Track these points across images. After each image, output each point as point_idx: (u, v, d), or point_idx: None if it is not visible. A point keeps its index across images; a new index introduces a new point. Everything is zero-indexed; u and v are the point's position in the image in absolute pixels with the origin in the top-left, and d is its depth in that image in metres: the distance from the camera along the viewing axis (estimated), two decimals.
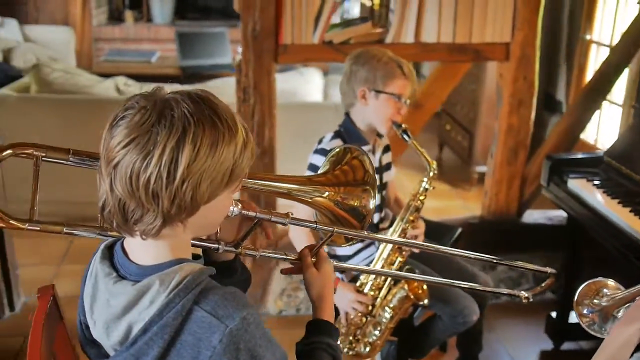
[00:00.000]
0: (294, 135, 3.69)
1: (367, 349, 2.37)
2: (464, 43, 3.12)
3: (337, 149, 1.55)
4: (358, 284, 2.42)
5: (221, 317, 1.17)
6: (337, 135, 2.47)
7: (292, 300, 3.42)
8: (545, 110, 5.02)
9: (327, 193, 1.50)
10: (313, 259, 1.53)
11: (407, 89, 2.40)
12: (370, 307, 2.38)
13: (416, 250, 2.47)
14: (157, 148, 1.12)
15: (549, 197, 3.00)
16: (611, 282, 1.65)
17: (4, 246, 3.13)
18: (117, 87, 4.26)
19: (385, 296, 2.38)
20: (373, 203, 1.51)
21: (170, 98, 1.17)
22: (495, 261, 1.83)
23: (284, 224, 1.46)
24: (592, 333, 1.60)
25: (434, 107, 3.38)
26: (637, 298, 1.53)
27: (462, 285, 2.01)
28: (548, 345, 3.21)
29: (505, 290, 2.07)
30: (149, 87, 3.71)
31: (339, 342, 2.35)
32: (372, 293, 2.39)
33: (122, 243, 1.27)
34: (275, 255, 1.52)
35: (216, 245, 1.41)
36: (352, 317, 2.38)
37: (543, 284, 1.93)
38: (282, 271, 1.57)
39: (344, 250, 2.52)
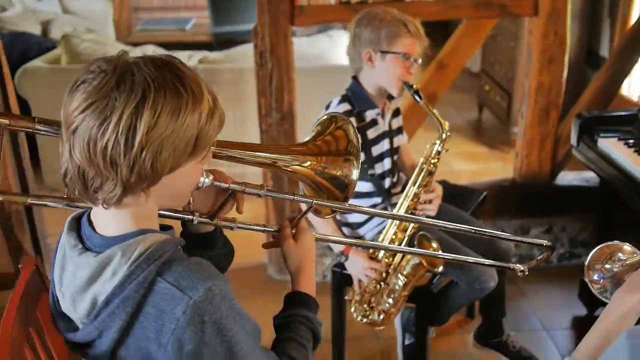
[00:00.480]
0: (324, 99, 3.61)
1: (381, 316, 2.32)
2: None
3: (324, 117, 1.49)
4: (371, 250, 2.36)
5: (184, 288, 1.14)
6: (344, 99, 2.40)
7: (318, 267, 3.39)
8: (588, 67, 4.81)
9: (308, 162, 1.45)
10: (293, 231, 1.49)
11: (414, 47, 2.30)
12: (384, 275, 2.33)
13: (432, 213, 2.39)
14: (115, 114, 1.09)
15: (578, 157, 2.86)
16: (627, 247, 1.55)
17: (32, 216, 3.17)
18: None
19: (399, 263, 2.32)
20: (356, 173, 1.45)
21: (132, 62, 1.13)
22: (475, 232, 1.74)
23: (259, 196, 1.41)
24: (605, 300, 1.51)
25: (459, 66, 3.25)
26: None
27: (464, 259, 1.96)
28: (581, 311, 3.10)
29: (497, 263, 1.98)
30: (177, 55, 3.67)
31: (354, 310, 2.36)
32: (385, 260, 2.34)
33: (89, 214, 1.25)
34: (255, 227, 1.48)
35: (190, 217, 1.38)
36: (365, 284, 2.33)
37: (539, 257, 1.84)
38: (264, 245, 1.54)
39: (354, 217, 2.47)
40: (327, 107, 2.41)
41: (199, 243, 1.46)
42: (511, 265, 1.90)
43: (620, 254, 1.55)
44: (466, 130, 5.44)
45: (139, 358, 1.18)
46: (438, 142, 2.38)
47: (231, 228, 1.44)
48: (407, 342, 2.61)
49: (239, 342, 1.17)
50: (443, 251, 2.25)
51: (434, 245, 2.27)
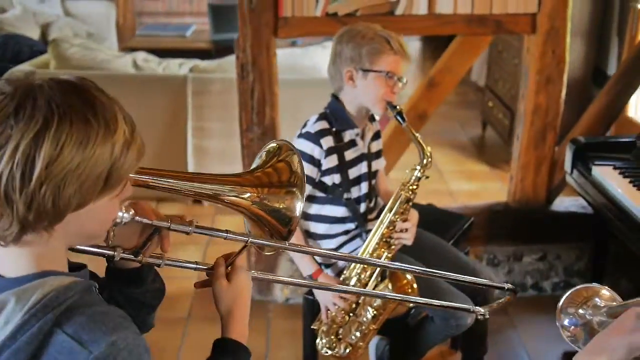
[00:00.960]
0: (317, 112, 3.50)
1: (347, 350, 2.18)
2: (484, 14, 2.83)
3: (271, 145, 1.37)
4: (342, 278, 2.24)
5: (85, 342, 1.01)
6: (322, 117, 2.28)
7: (299, 288, 3.25)
8: (595, 85, 4.65)
9: (247, 194, 1.32)
10: (229, 269, 1.35)
11: (398, 64, 2.17)
12: (353, 305, 2.19)
13: (408, 242, 2.25)
14: (11, 143, 0.97)
15: (572, 184, 2.71)
16: (606, 291, 1.40)
17: None
18: (135, 62, 4.15)
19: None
20: (300, 206, 1.32)
21: (36, 85, 1.01)
22: (429, 273, 1.63)
23: (186, 233, 1.29)
24: (576, 349, 1.37)
25: (451, 85, 3.10)
26: (614, 320, 1.29)
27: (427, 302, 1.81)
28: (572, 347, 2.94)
29: (458, 305, 1.87)
30: (169, 62, 3.56)
31: (320, 340, 2.22)
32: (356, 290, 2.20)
33: None
34: (185, 265, 1.36)
35: (112, 252, 1.25)
36: (332, 313, 2.19)
37: (500, 301, 1.72)
38: (196, 285, 1.41)
39: (327, 243, 2.33)
40: (304, 125, 2.29)
41: (126, 279, 1.34)
42: (471, 308, 1.79)
43: (597, 299, 1.40)
44: (469, 148, 5.29)
45: None
46: (418, 167, 2.25)
47: (158, 265, 1.31)
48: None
49: None
50: (417, 283, 2.12)
51: (408, 277, 2.13)
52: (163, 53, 4.97)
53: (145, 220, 1.24)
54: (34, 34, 5.73)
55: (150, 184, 1.27)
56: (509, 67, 4.79)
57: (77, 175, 1.01)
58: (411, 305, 2.12)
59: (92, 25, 6.48)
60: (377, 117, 2.39)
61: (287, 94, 3.56)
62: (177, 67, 4.19)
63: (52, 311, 1.02)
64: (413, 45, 8.61)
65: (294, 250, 1.46)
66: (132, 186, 1.24)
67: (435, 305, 1.92)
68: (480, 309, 1.83)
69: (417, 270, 1.76)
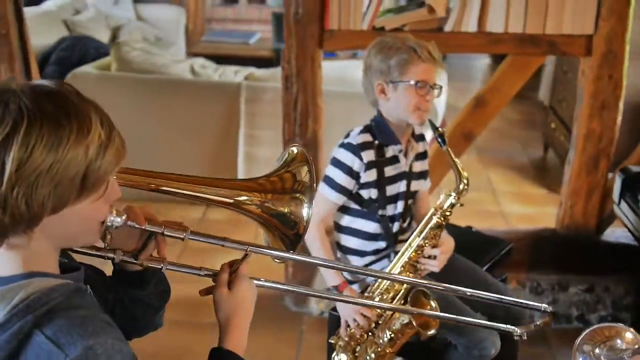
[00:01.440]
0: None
1: None
2: (537, 34, 2.74)
3: (292, 150, 1.38)
4: (365, 294, 2.19)
5: (62, 344, 1.02)
6: (366, 129, 2.24)
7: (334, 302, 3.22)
8: None
9: (251, 198, 1.34)
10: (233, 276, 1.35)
11: (428, 72, 2.12)
12: (373, 324, 2.14)
13: (435, 270, 2.19)
14: None
15: (619, 216, 2.59)
16: (630, 334, 1.34)
17: None
18: (193, 68, 4.22)
19: (390, 317, 2.13)
20: (307, 210, 1.33)
21: (10, 91, 1.02)
22: (468, 294, 1.56)
23: (181, 239, 1.29)
24: None
25: (500, 105, 3.02)
26: None
27: (457, 320, 1.74)
28: None
29: (495, 325, 1.77)
30: (225, 69, 3.60)
31: (336, 355, 2.18)
32: (377, 310, 2.15)
33: None
34: (187, 270, 1.36)
35: (111, 255, 1.27)
36: (351, 329, 2.15)
37: (539, 322, 1.63)
38: (200, 292, 1.40)
39: (356, 260, 2.30)
40: (347, 135, 2.25)
41: (129, 281, 1.35)
42: (508, 328, 1.70)
43: (618, 341, 1.34)
44: (528, 169, 5.13)
45: None
46: (454, 194, 2.18)
47: (160, 268, 1.32)
48: None
49: None
50: (442, 309, 2.05)
51: (432, 304, 2.05)
52: (226, 60, 5.05)
53: (136, 226, 1.24)
54: (105, 36, 5.92)
55: (152, 187, 1.31)
56: (572, 88, 4.62)
57: (50, 177, 1.01)
58: (430, 334, 2.04)
59: (161, 29, 6.63)
60: (418, 130, 2.31)
61: (340, 106, 3.56)
62: (233, 74, 4.23)
63: (34, 312, 1.03)
64: (482, 62, 8.47)
65: (297, 261, 1.44)
66: (147, 190, 1.27)
67: (470, 323, 1.84)
68: (518, 331, 1.75)
69: (440, 288, 1.68)
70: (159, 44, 6.27)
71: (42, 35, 5.24)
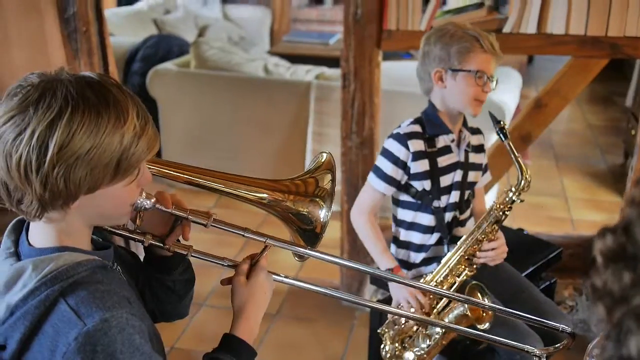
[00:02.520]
0: None
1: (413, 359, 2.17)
2: (599, 36, 2.69)
3: (323, 156, 1.48)
4: (421, 281, 2.22)
5: (82, 314, 1.14)
6: (416, 121, 2.26)
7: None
8: None
9: (271, 196, 1.43)
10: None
11: (489, 63, 2.12)
12: (425, 312, 2.17)
13: (492, 263, 2.20)
14: (29, 128, 1.11)
15: None
16: None
17: None
18: (266, 67, 4.35)
19: (445, 307, 2.16)
20: (325, 214, 1.42)
21: (59, 79, 1.15)
22: (487, 307, 1.58)
23: (204, 225, 1.38)
24: None
25: (559, 107, 2.96)
26: None
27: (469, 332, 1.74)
28: None
29: (513, 343, 1.76)
30: (297, 68, 3.75)
31: (384, 347, 2.21)
32: (429, 301, 2.19)
33: None
34: (210, 259, 1.45)
35: (141, 238, 1.38)
36: (403, 310, 2.18)
37: (558, 344, 1.62)
38: (222, 282, 1.49)
39: (414, 256, 2.33)
40: (399, 126, 2.28)
41: (157, 266, 1.46)
42: (525, 348, 1.71)
43: None
44: (605, 177, 4.98)
45: None
46: (514, 189, 2.14)
47: (185, 255, 1.42)
48: None
49: None
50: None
51: (486, 300, 2.06)
52: (306, 59, 5.15)
53: (163, 209, 1.34)
54: (192, 35, 6.16)
55: (178, 177, 1.41)
56: None
57: (87, 160, 1.13)
58: (485, 327, 2.03)
59: (247, 29, 6.83)
60: (475, 124, 2.31)
61: (408, 105, 3.58)
62: (304, 73, 4.33)
63: (60, 283, 1.15)
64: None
65: (315, 257, 1.48)
66: (181, 181, 1.39)
67: (494, 340, 1.83)
68: (536, 350, 1.76)
69: (461, 299, 1.71)
70: (243, 43, 6.47)
71: (133, 34, 5.53)
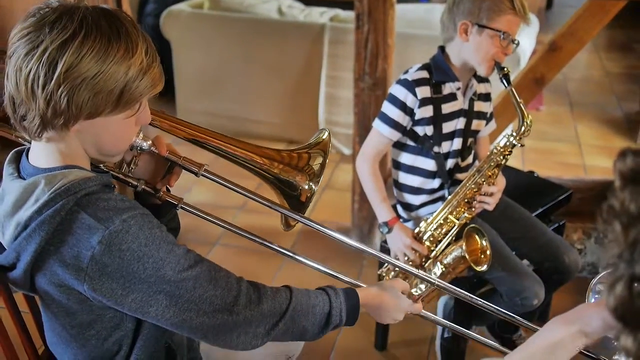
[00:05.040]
0: None
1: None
2: None
3: (319, 135, 1.56)
4: (416, 230, 2.25)
5: (101, 219, 1.19)
6: (424, 67, 2.26)
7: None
8: None
9: (263, 161, 1.50)
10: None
11: (515, 26, 2.11)
12: (423, 260, 2.21)
13: (489, 208, 2.22)
14: (41, 46, 1.15)
15: None
16: None
17: None
18: (280, 8, 4.31)
19: (442, 251, 2.19)
20: (311, 187, 1.50)
21: (78, 7, 1.19)
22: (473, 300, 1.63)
23: (195, 174, 1.44)
24: None
25: (574, 50, 2.92)
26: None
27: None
28: None
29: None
30: (311, 10, 3.71)
31: None
32: (428, 244, 2.22)
33: (29, 149, 1.32)
34: (198, 213, 1.50)
35: (136, 183, 1.43)
36: (400, 260, 2.23)
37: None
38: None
39: (412, 199, 2.36)
40: (406, 72, 2.28)
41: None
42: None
43: None
44: (620, 123, 4.94)
45: (53, 284, 1.25)
46: (514, 134, 2.15)
47: (175, 206, 1.47)
48: (446, 335, 2.47)
49: (163, 267, 1.22)
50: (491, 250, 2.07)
51: (484, 243, 2.08)
52: (320, 1, 5.06)
53: (157, 151, 1.40)
54: None
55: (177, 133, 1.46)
56: None
57: (92, 84, 1.17)
58: (482, 269, 2.06)
59: None
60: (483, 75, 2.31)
61: (422, 49, 3.56)
62: (319, 15, 4.30)
63: (74, 194, 1.20)
64: None
65: (304, 223, 1.54)
66: (180, 136, 1.43)
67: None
68: None
69: (464, 295, 1.68)
70: None
71: None
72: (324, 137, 1.55)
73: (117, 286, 1.20)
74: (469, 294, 1.65)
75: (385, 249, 2.41)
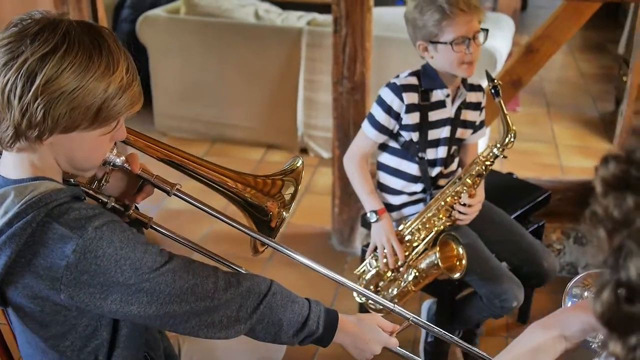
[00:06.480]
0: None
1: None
2: None
3: (295, 163, 1.58)
4: (398, 229, 2.25)
5: (73, 228, 1.19)
6: (414, 74, 2.26)
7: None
8: None
9: (237, 186, 1.51)
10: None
11: (464, 25, 2.09)
12: (399, 262, 2.21)
13: (463, 222, 2.22)
14: (22, 56, 1.15)
15: None
16: None
17: None
18: (257, 13, 4.30)
19: (417, 258, 2.19)
20: (281, 213, 1.50)
21: (62, 20, 1.20)
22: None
23: (167, 193, 1.44)
24: None
25: (550, 52, 2.95)
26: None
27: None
28: None
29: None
30: (289, 14, 3.70)
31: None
32: (404, 248, 2.22)
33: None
34: (167, 233, 1.51)
35: (105, 200, 1.41)
36: (376, 252, 2.24)
37: None
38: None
39: (392, 198, 2.36)
40: (397, 76, 2.27)
41: None
42: None
43: None
44: (596, 124, 4.99)
45: (27, 297, 1.23)
46: (498, 145, 2.14)
47: (145, 226, 1.47)
48: (429, 339, 2.47)
49: (141, 266, 1.23)
50: (468, 256, 2.07)
51: (460, 250, 2.09)
52: (298, 5, 5.05)
53: (129, 168, 1.40)
54: None
55: (152, 153, 1.47)
56: None
57: (70, 99, 1.17)
58: (456, 277, 2.07)
59: None
60: (476, 81, 2.31)
61: (397, 52, 3.57)
62: (296, 19, 4.29)
63: (45, 206, 1.19)
64: None
65: (277, 249, 1.53)
66: (153, 156, 1.44)
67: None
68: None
69: (430, 329, 1.67)
70: None
71: None
72: (298, 164, 1.56)
73: (95, 291, 1.20)
74: (445, 331, 1.64)
75: (365, 252, 2.41)
